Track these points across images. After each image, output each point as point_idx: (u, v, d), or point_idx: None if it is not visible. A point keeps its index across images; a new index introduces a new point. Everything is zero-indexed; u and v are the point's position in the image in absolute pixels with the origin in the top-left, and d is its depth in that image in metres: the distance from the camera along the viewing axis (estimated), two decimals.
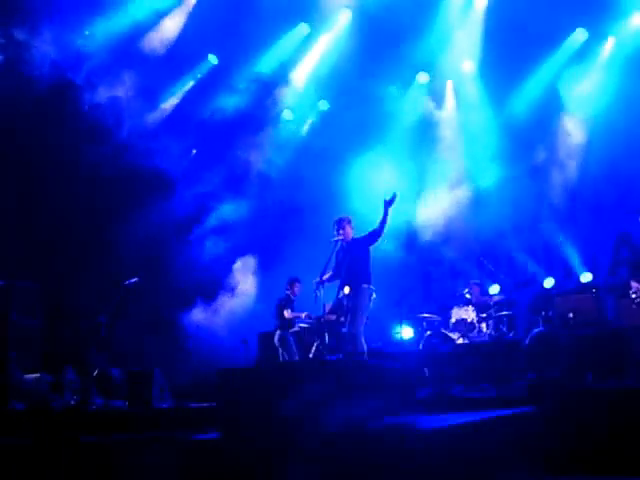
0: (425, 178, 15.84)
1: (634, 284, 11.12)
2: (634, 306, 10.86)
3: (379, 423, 5.45)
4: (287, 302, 13.65)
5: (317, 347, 13.01)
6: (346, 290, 11.31)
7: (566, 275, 15.26)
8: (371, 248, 11.47)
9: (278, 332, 13.53)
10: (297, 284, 13.48)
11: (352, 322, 11.11)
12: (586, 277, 14.79)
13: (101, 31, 14.28)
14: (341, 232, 11.54)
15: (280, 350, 13.41)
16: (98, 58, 14.39)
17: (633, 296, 11.07)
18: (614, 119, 14.41)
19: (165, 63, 15.27)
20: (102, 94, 14.54)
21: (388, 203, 10.90)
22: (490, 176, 15.53)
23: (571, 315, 12.58)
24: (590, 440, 7.03)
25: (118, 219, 14.65)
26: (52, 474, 7.31)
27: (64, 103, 14.25)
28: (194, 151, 16.68)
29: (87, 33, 14.38)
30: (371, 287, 11.36)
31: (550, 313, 13.32)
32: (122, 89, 14.69)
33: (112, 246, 14.43)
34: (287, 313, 13.55)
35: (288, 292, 13.65)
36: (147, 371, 11.72)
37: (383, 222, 10.99)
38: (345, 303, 11.46)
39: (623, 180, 15.10)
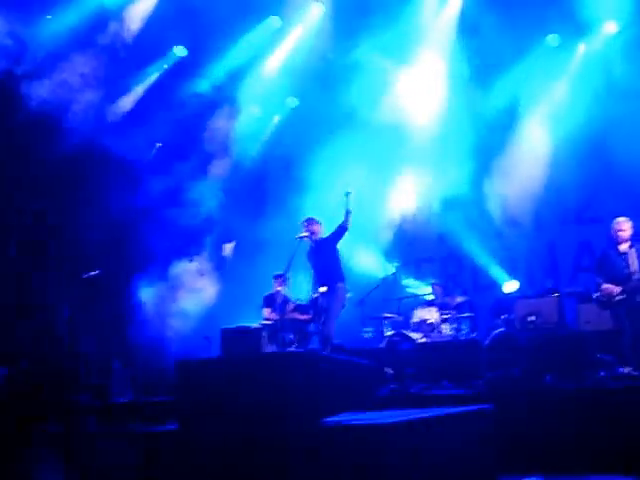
0: (392, 177, 15.89)
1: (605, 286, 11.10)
2: (596, 308, 11.04)
3: (335, 419, 5.45)
4: (268, 299, 13.71)
5: (281, 344, 13.03)
6: (322, 290, 11.43)
7: (528, 279, 15.36)
8: (338, 247, 11.65)
9: None
10: (279, 279, 13.46)
11: (326, 322, 11.27)
12: (548, 282, 14.90)
13: (63, 17, 14.16)
14: (309, 228, 11.71)
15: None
16: (58, 45, 14.15)
17: (597, 295, 11.07)
18: (581, 127, 14.55)
19: (131, 52, 15.17)
20: (62, 82, 14.39)
21: (348, 195, 11.28)
22: (457, 178, 15.61)
23: (531, 318, 12.70)
24: (548, 438, 7.12)
25: (80, 208, 14.56)
26: (10, 465, 7.28)
27: (17, 92, 14.04)
28: (158, 144, 16.63)
29: (49, 17, 14.21)
30: (345, 286, 11.53)
31: (511, 316, 13.44)
32: (83, 77, 14.57)
33: (74, 237, 14.33)
34: (265, 312, 13.62)
35: (272, 289, 13.71)
36: (106, 364, 11.69)
37: (347, 215, 11.33)
38: (320, 302, 11.57)
39: (587, 188, 15.24)
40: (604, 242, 11.65)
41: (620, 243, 11.04)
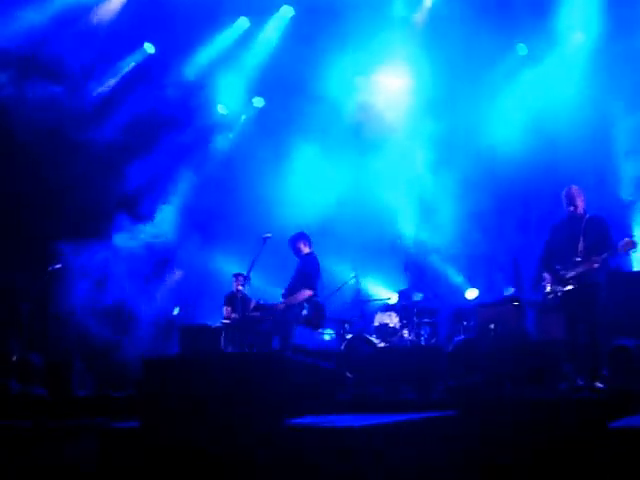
0: (360, 180, 15.98)
1: (547, 276, 10.15)
2: (556, 317, 10.67)
3: (298, 421, 5.48)
4: (229, 298, 13.75)
5: (240, 344, 13.02)
6: None
7: (489, 287, 15.42)
8: None
9: None
10: (239, 278, 13.49)
11: None
12: (509, 290, 14.98)
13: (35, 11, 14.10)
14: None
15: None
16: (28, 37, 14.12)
17: (548, 289, 10.10)
18: (548, 134, 14.68)
19: (99, 48, 15.14)
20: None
21: None
22: (424, 183, 15.71)
23: (492, 326, 12.76)
24: (506, 447, 7.18)
25: (46, 199, 14.49)
26: None
27: None
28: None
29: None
30: None
31: (471, 323, 13.50)
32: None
33: (40, 227, 14.23)
34: (225, 310, 13.67)
35: (233, 288, 13.73)
36: (67, 358, 11.60)
37: None
38: None
39: (550, 198, 15.34)
40: None
41: (573, 217, 9.93)
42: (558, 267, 9.91)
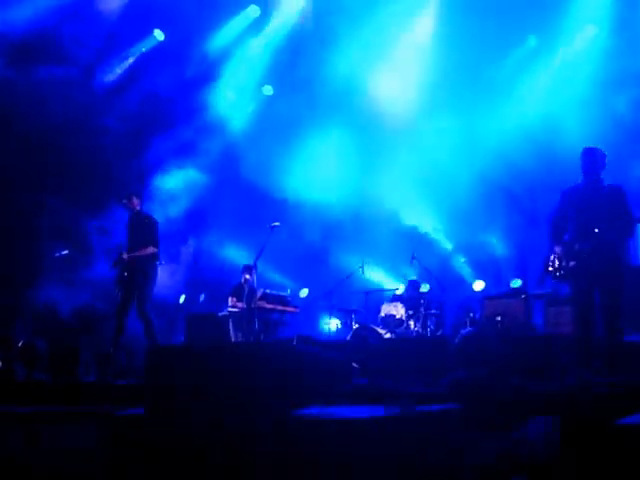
0: (368, 170, 15.97)
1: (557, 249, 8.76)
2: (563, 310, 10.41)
3: (304, 411, 5.46)
4: (235, 289, 13.76)
5: (247, 333, 13.04)
6: None
7: (496, 279, 15.42)
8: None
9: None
10: (247, 269, 13.49)
11: None
12: (516, 283, 14.96)
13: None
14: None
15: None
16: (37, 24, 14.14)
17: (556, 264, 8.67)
18: (556, 128, 14.62)
19: (108, 36, 15.13)
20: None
21: None
22: (433, 176, 15.69)
23: (499, 318, 12.74)
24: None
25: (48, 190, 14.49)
26: None
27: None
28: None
29: None
30: None
31: (478, 315, 13.49)
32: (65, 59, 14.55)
33: (43, 216, 14.23)
34: (231, 300, 13.68)
35: (241, 279, 13.74)
36: (73, 345, 11.59)
37: None
38: None
39: (559, 190, 15.30)
40: None
41: (593, 184, 8.61)
42: (569, 239, 8.70)
